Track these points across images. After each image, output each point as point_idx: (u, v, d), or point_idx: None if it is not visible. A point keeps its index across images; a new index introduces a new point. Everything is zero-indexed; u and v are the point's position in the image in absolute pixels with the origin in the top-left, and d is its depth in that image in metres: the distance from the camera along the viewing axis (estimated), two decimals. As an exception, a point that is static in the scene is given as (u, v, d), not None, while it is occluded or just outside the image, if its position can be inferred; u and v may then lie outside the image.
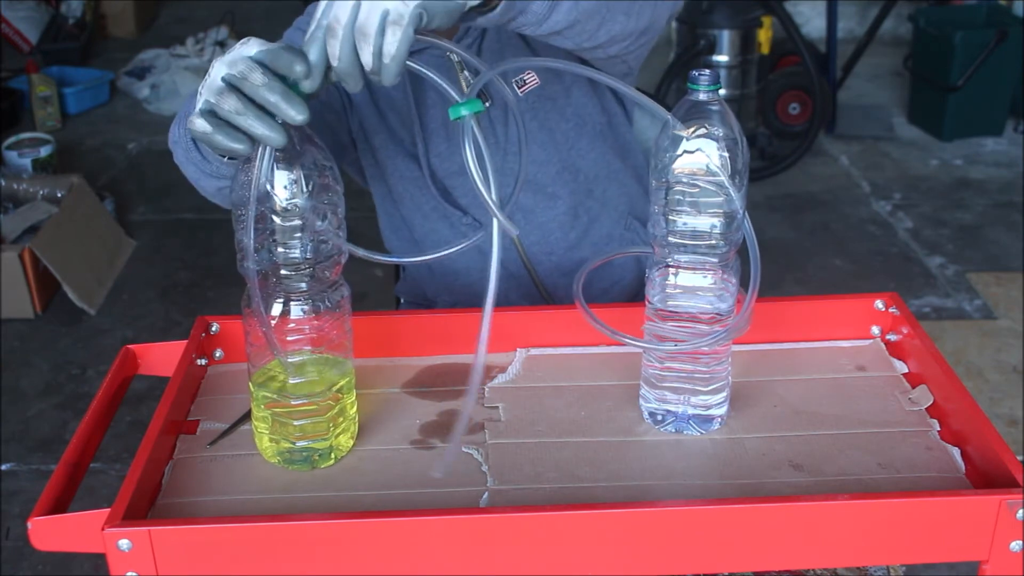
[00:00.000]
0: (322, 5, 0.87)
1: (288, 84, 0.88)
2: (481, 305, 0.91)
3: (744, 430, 1.03)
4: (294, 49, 0.88)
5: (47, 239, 2.95)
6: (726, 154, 0.92)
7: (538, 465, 0.99)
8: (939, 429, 1.02)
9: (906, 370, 1.11)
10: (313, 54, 0.87)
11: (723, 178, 0.92)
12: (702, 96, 0.92)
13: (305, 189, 0.90)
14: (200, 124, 0.90)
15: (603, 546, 0.87)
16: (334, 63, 0.87)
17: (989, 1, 4.16)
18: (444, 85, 0.91)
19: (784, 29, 3.74)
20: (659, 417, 1.03)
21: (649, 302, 1.01)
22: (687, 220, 0.95)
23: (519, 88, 1.34)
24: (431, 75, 0.91)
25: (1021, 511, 0.86)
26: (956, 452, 0.98)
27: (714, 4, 3.67)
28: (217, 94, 0.89)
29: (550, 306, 1.38)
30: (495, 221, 0.90)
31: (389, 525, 0.86)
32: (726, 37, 3.66)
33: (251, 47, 0.89)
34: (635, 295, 1.47)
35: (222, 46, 4.65)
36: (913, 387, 1.08)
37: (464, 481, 0.97)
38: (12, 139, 3.61)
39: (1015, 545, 0.87)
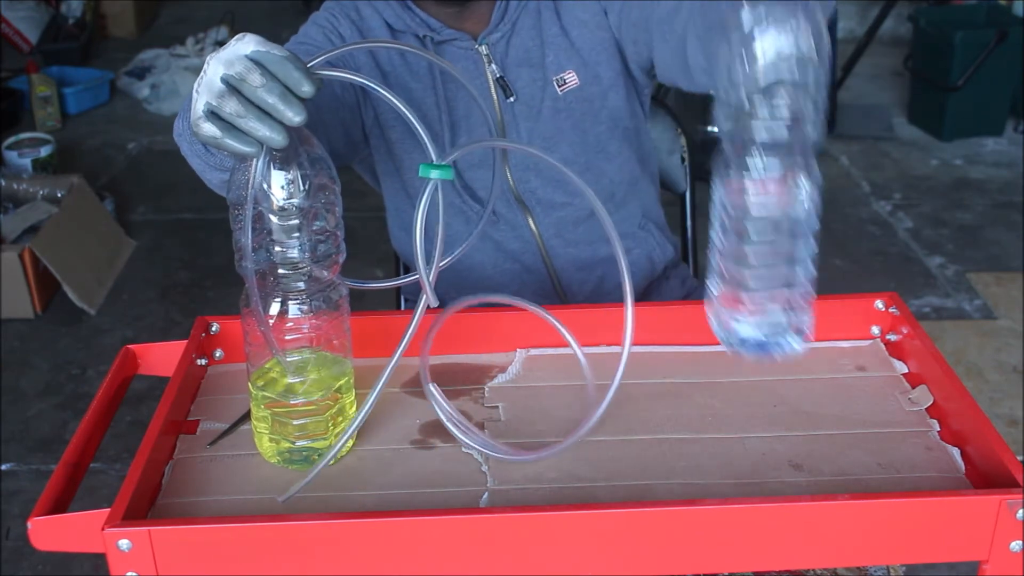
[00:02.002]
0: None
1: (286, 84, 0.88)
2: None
3: (744, 430, 1.03)
4: (296, 59, 0.88)
5: (47, 239, 2.95)
6: (810, 40, 0.83)
7: (538, 465, 0.99)
8: (939, 429, 1.02)
9: (906, 370, 1.11)
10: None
11: (814, 60, 0.83)
12: None
13: (302, 189, 0.90)
14: (208, 128, 0.88)
15: (603, 546, 0.87)
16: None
17: (989, 1, 4.16)
18: (425, 138, 0.92)
19: (784, 29, 3.73)
20: (762, 340, 0.91)
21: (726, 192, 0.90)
22: (779, 116, 0.85)
23: (560, 87, 1.36)
24: (414, 123, 0.91)
25: (1021, 511, 0.86)
26: (956, 452, 0.98)
27: (714, 4, 3.67)
28: (218, 96, 0.88)
29: (549, 306, 1.38)
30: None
31: (389, 525, 0.86)
32: (726, 37, 3.66)
33: (247, 44, 0.88)
34: (643, 295, 1.48)
35: (222, 46, 4.64)
36: (913, 387, 1.08)
37: (464, 481, 0.97)
38: (12, 139, 3.61)
39: (1015, 545, 0.87)
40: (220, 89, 0.87)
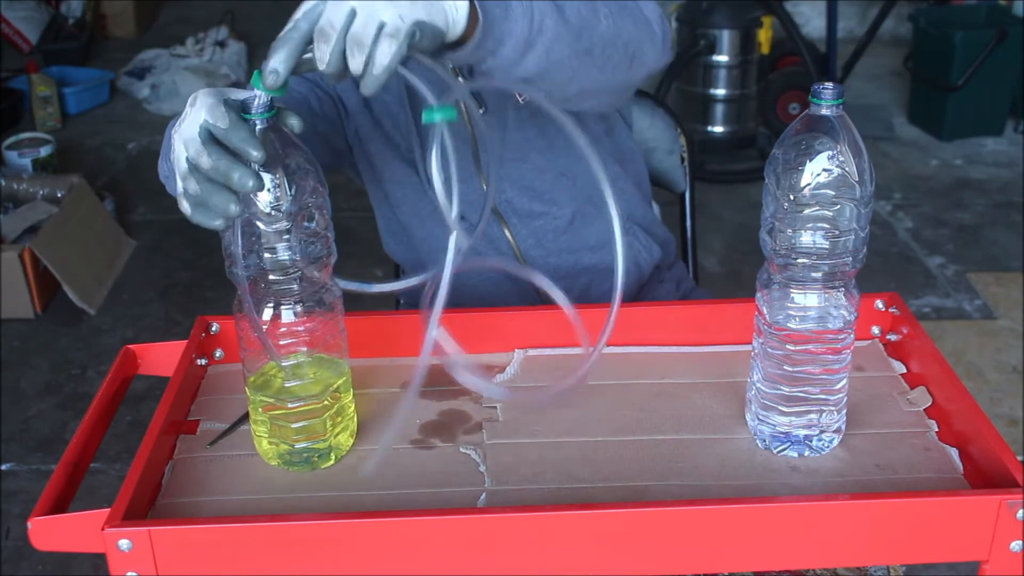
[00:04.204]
0: (306, 5, 0.87)
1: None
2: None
3: (742, 430, 1.03)
4: (243, 125, 0.88)
5: (47, 239, 2.95)
6: (854, 169, 0.89)
7: (535, 465, 0.99)
8: (937, 430, 1.02)
9: (904, 370, 1.11)
10: (282, 55, 0.87)
11: (856, 193, 0.90)
12: (824, 111, 0.89)
13: (289, 193, 0.91)
14: (184, 207, 0.92)
15: (601, 546, 0.87)
16: (321, 67, 0.87)
17: (989, 1, 4.16)
18: (423, 88, 0.91)
19: (784, 29, 3.74)
20: (781, 441, 0.99)
21: (767, 325, 0.97)
22: (815, 238, 0.92)
23: (520, 96, 1.34)
24: (414, 79, 0.91)
25: (1021, 511, 0.86)
26: (954, 453, 0.98)
27: (714, 4, 3.67)
28: (183, 178, 0.91)
29: (548, 306, 1.37)
30: (453, 233, 0.91)
31: (388, 525, 0.86)
32: (726, 37, 3.66)
33: (198, 112, 0.89)
34: (631, 299, 1.47)
35: (222, 46, 4.64)
36: (913, 387, 1.08)
37: (462, 481, 0.97)
38: (12, 139, 3.61)
39: (1015, 545, 0.87)
40: (184, 171, 0.90)
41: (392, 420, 0.95)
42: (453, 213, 0.91)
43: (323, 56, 0.86)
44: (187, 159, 0.90)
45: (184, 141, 0.90)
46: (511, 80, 1.04)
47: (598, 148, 1.39)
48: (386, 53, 0.86)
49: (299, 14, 0.87)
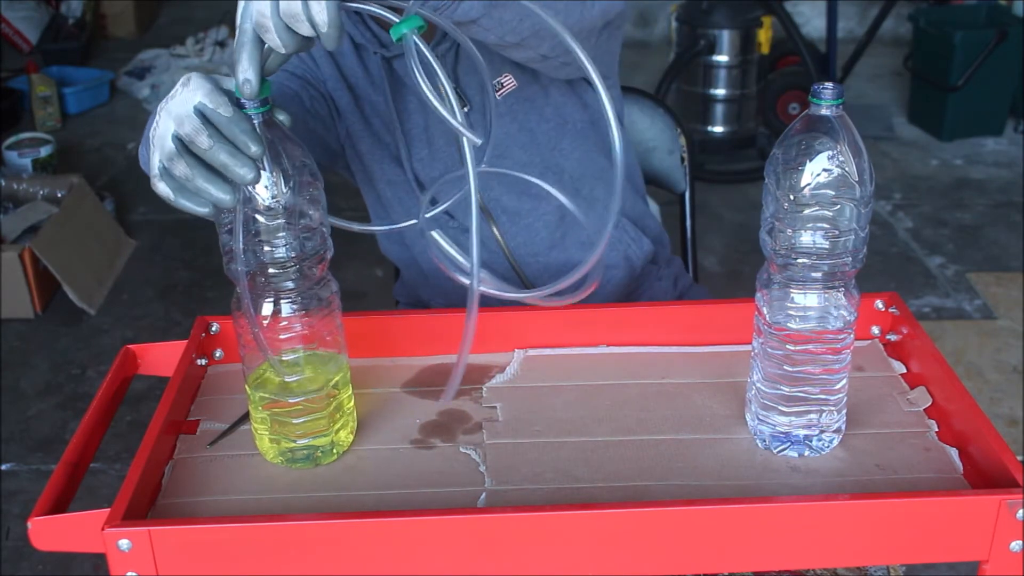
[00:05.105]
0: (240, 5, 0.87)
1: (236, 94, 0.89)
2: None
3: (742, 430, 1.03)
4: (243, 118, 0.88)
5: (47, 239, 2.95)
6: (854, 169, 0.89)
7: (536, 465, 0.99)
8: (937, 430, 1.02)
9: (904, 370, 1.11)
10: (244, 63, 0.87)
11: (856, 193, 0.90)
12: (824, 111, 0.89)
13: (285, 188, 0.91)
14: (162, 188, 0.90)
15: (601, 546, 0.87)
16: (281, 51, 0.88)
17: (989, 1, 4.16)
18: (380, 10, 0.91)
19: (784, 29, 3.74)
20: (781, 441, 0.99)
21: (767, 325, 0.97)
22: (815, 238, 0.92)
23: (497, 92, 1.33)
24: (368, 7, 0.91)
25: (1021, 511, 0.86)
26: (954, 453, 0.98)
27: (714, 4, 3.67)
28: (168, 158, 0.88)
29: (548, 306, 1.37)
30: (473, 209, 0.90)
31: (388, 525, 0.86)
32: (726, 37, 3.67)
33: (193, 93, 0.88)
34: (627, 295, 1.46)
35: (222, 46, 4.65)
36: (913, 387, 1.08)
37: (462, 481, 0.97)
38: (12, 139, 3.61)
39: (1015, 545, 0.87)
40: (171, 150, 0.88)
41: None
42: (459, 116, 0.90)
43: (275, 43, 0.87)
44: (176, 137, 0.87)
45: (176, 118, 0.87)
46: (459, 20, 1.02)
47: (582, 142, 1.39)
48: (321, 11, 0.86)
49: (239, 19, 0.87)
